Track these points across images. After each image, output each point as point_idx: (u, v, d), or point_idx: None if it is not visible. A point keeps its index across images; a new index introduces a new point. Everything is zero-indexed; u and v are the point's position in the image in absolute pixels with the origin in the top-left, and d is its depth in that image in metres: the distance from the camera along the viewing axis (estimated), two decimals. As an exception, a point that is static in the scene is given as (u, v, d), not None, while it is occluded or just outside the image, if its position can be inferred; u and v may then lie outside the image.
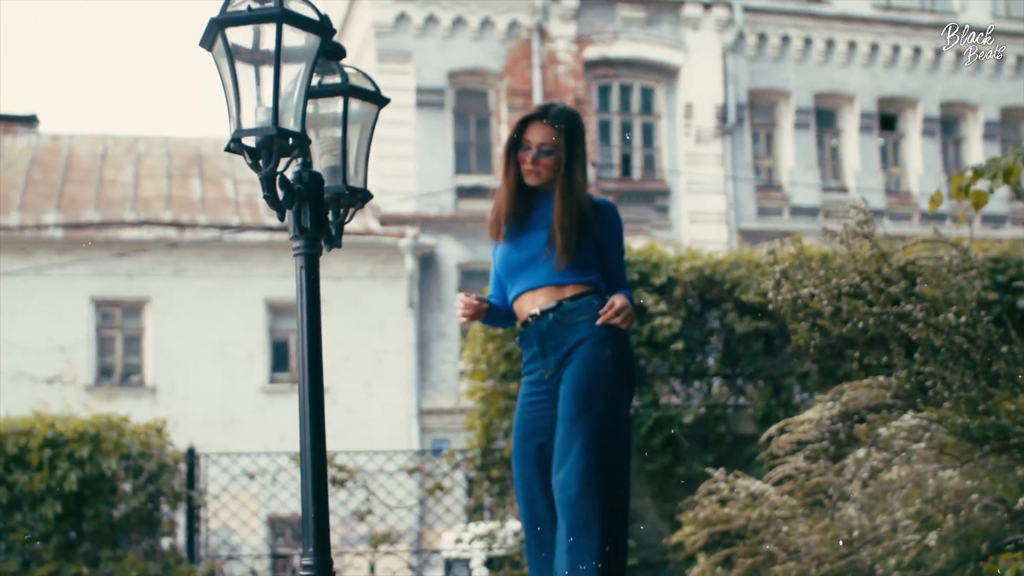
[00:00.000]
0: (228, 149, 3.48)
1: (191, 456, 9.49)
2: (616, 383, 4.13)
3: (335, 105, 3.64)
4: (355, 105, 3.67)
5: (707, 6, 24.16)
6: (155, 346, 21.12)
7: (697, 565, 6.93)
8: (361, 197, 3.81)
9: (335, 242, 3.64)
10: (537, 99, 22.73)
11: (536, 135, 4.22)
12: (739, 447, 9.87)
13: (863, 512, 5.97)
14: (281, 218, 3.52)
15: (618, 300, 4.08)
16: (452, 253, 22.06)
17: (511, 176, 4.26)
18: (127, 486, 9.13)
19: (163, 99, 63.55)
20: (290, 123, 3.37)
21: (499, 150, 23.45)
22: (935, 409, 4.59)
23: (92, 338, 21.05)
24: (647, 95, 24.22)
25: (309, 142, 3.50)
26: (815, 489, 5.83)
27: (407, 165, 22.47)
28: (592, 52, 23.55)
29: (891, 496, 5.63)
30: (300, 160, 3.57)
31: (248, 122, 3.38)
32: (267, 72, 3.35)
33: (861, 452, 5.95)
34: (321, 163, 3.73)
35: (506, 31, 23.24)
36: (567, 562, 3.98)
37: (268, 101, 3.31)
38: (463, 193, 22.56)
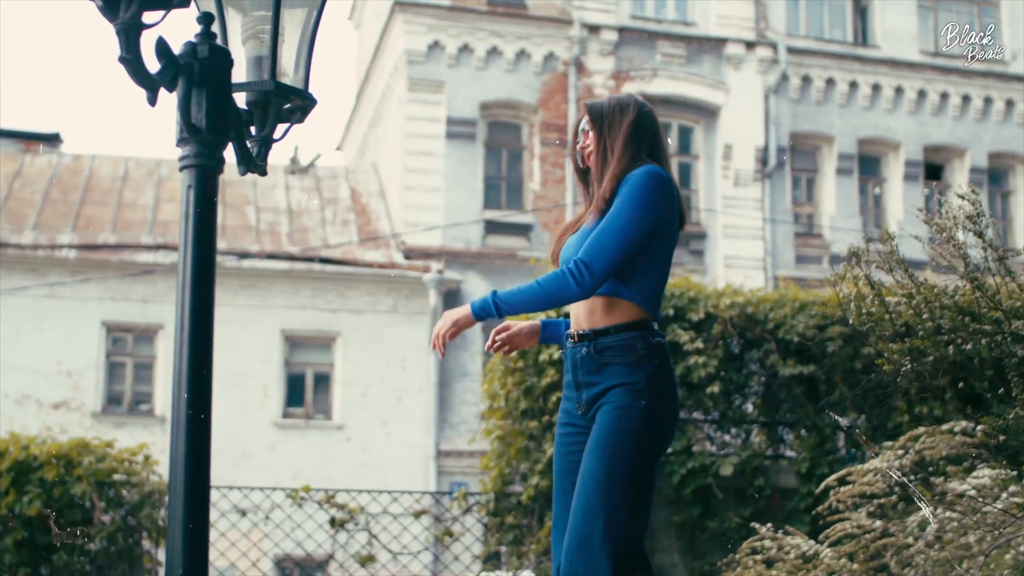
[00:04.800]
0: None
1: (178, 488, 8.65)
2: (646, 439, 3.60)
3: (266, -24, 2.52)
4: (295, -25, 2.53)
5: (750, 45, 23.41)
6: (166, 374, 20.36)
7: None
8: (301, 105, 2.63)
9: (256, 165, 2.50)
10: (571, 134, 21.99)
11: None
12: (778, 501, 9.09)
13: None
14: (151, 101, 2.39)
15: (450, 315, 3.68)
16: (478, 289, 21.23)
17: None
18: (106, 518, 8.31)
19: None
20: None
21: (530, 185, 22.86)
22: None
23: (102, 364, 20.33)
24: (685, 134, 23.45)
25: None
26: (880, 551, 4.98)
27: (435, 197, 21.75)
28: (630, 88, 22.77)
29: (969, 563, 4.78)
30: (201, 30, 2.51)
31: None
32: None
33: (926, 511, 5.13)
34: (244, 52, 2.64)
35: (542, 64, 22.55)
36: None
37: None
38: (491, 228, 21.78)
